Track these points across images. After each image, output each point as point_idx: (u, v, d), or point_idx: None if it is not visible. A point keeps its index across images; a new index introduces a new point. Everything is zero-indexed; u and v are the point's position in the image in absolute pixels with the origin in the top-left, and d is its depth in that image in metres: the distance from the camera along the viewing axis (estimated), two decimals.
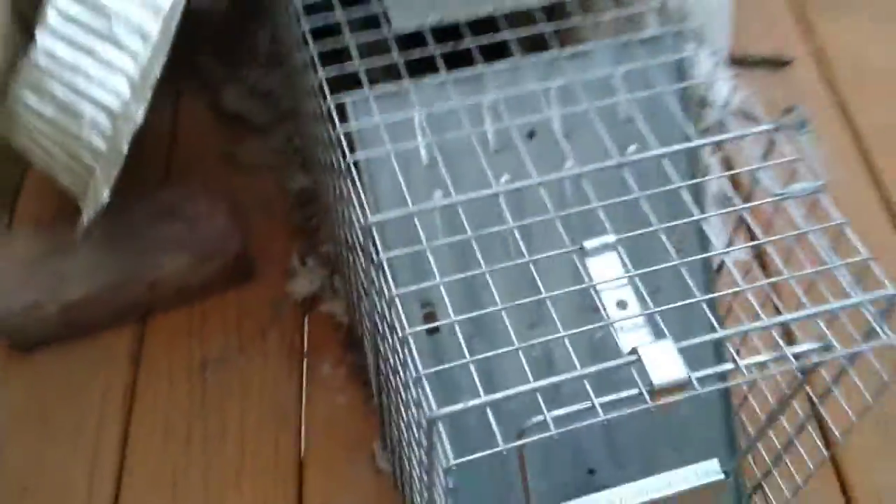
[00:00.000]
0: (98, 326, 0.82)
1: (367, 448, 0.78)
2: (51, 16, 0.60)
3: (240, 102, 0.99)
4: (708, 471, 0.61)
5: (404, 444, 0.64)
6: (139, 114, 0.63)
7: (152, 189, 0.88)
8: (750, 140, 0.58)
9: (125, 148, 0.63)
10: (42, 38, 0.61)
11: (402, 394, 0.57)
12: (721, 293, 0.53)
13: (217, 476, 0.77)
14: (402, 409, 0.60)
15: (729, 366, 0.47)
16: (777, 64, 1.11)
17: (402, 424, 0.63)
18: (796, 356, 0.48)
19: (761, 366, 0.47)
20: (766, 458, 0.66)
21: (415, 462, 0.59)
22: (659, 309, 0.49)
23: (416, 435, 0.54)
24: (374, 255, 0.53)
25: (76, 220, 0.79)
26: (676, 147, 0.57)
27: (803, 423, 0.60)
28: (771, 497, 0.69)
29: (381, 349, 0.64)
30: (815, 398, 0.58)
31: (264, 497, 0.76)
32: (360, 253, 0.63)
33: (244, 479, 0.77)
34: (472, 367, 0.47)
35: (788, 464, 0.64)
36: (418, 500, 0.63)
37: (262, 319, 0.86)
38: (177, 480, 0.76)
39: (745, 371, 0.47)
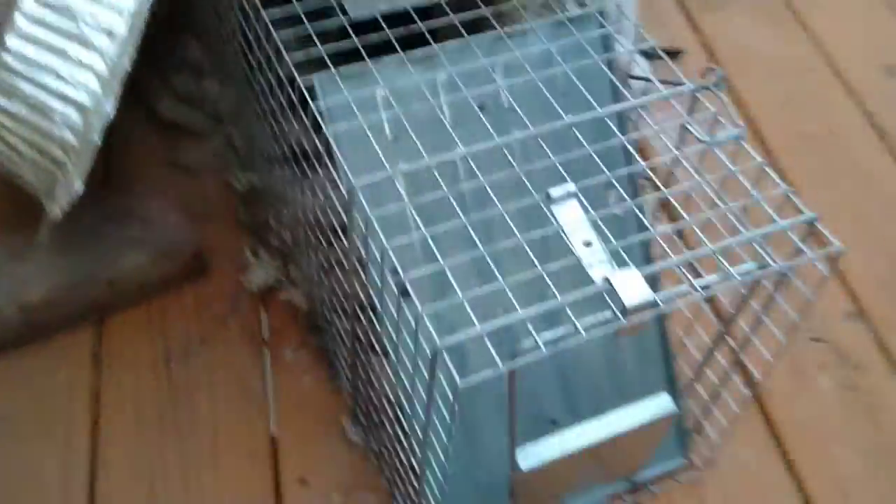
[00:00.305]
0: (58, 327, 0.83)
1: (337, 424, 0.82)
2: (19, 19, 0.62)
3: (175, 109, 1.01)
4: (661, 405, 0.68)
5: (389, 402, 0.68)
6: (109, 108, 0.65)
7: (101, 193, 0.89)
8: (674, 100, 0.67)
9: (96, 140, 0.65)
10: (11, 40, 0.62)
11: (393, 346, 0.62)
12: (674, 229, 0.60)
13: (193, 461, 0.79)
14: (390, 365, 0.65)
15: (684, 287, 0.54)
16: (671, 54, 1.22)
17: (386, 384, 0.67)
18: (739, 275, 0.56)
19: (707, 287, 0.55)
20: (705, 397, 0.74)
21: (405, 410, 0.64)
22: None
23: (411, 380, 0.59)
24: (360, 217, 0.58)
25: (27, 228, 0.80)
26: (617, 107, 0.64)
27: (738, 354, 0.68)
28: (710, 433, 0.77)
29: (362, 316, 0.68)
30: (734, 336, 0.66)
31: (241, 477, 0.78)
32: (337, 225, 0.67)
33: (220, 461, 0.79)
34: (467, 304, 0.52)
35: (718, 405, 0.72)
36: (402, 449, 0.68)
37: (221, 311, 0.88)
38: (154, 468, 0.78)
39: (699, 290, 0.54)
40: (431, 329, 0.51)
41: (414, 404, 0.60)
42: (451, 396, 0.51)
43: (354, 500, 0.78)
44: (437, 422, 0.58)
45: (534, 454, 0.64)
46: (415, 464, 0.66)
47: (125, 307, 0.86)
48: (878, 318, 0.92)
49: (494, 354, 0.51)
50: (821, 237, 0.58)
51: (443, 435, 0.57)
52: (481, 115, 0.68)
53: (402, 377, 0.62)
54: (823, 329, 0.91)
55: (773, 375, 0.72)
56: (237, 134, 0.98)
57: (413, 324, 0.54)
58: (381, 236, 0.56)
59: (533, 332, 0.51)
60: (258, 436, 0.81)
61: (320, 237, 0.78)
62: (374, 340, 0.68)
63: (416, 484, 0.67)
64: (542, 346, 0.51)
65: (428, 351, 0.52)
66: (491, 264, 0.54)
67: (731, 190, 0.61)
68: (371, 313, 0.67)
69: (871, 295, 0.94)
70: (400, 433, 0.68)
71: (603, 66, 0.68)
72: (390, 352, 0.64)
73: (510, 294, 0.53)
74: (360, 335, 0.69)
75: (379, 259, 0.56)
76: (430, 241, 0.55)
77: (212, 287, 0.90)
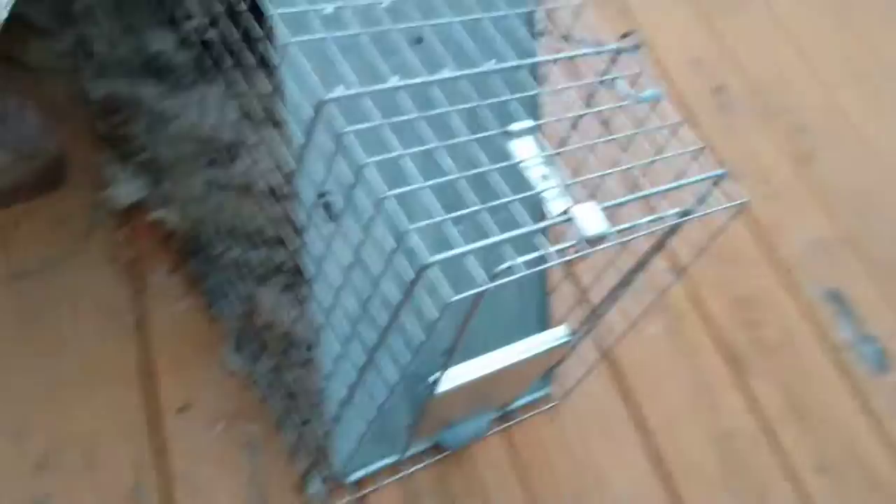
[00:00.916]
0: None
1: (216, 352, 0.79)
2: None
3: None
4: (558, 335, 0.74)
5: (313, 329, 0.67)
6: None
7: None
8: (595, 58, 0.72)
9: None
10: None
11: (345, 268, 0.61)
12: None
13: (61, 386, 0.72)
14: (320, 290, 0.64)
15: (630, 224, 0.60)
16: None
17: (316, 308, 0.66)
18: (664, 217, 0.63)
19: (652, 223, 0.61)
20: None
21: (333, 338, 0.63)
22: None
23: (363, 300, 0.59)
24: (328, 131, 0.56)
25: None
26: (562, 55, 0.68)
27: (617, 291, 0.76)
28: (576, 368, 0.85)
29: (291, 241, 0.66)
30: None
31: (118, 404, 0.73)
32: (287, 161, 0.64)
33: (92, 388, 0.73)
34: (451, 223, 0.54)
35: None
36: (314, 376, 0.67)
37: (80, 228, 0.81)
38: (14, 393, 0.70)
39: (644, 227, 0.60)
40: (421, 244, 0.52)
41: (358, 328, 0.60)
42: (436, 313, 0.53)
43: (239, 428, 0.76)
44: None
45: (447, 379, 0.67)
46: (332, 389, 0.66)
47: None
48: (691, 273, 1.06)
49: (482, 270, 0.53)
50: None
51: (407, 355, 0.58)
52: (416, 48, 0.69)
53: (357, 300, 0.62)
54: (650, 282, 1.03)
55: (614, 322, 0.81)
56: (96, 37, 0.89)
57: (394, 241, 0.54)
58: (361, 151, 0.55)
59: (513, 252, 0.54)
60: (131, 362, 0.76)
61: (223, 155, 0.74)
62: (298, 266, 0.67)
63: (324, 410, 0.68)
64: (522, 266, 0.54)
65: (411, 268, 0.53)
66: (467, 190, 0.56)
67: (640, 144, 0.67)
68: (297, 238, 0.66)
69: (685, 253, 1.07)
70: (321, 360, 0.67)
71: (545, 18, 0.72)
72: (342, 272, 0.63)
73: (489, 218, 0.55)
74: (286, 260, 0.68)
75: (353, 178, 0.56)
76: (408, 160, 0.56)
77: (68, 201, 0.82)
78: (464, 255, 0.53)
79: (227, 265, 0.78)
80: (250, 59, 0.65)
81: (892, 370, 1.03)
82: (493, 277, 0.54)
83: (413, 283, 0.53)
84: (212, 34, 0.71)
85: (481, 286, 0.53)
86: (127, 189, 0.83)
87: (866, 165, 1.25)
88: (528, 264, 0.54)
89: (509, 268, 0.54)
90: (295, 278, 0.70)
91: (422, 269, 0.52)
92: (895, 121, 1.32)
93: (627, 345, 0.96)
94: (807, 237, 1.14)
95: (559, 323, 0.86)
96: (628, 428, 0.90)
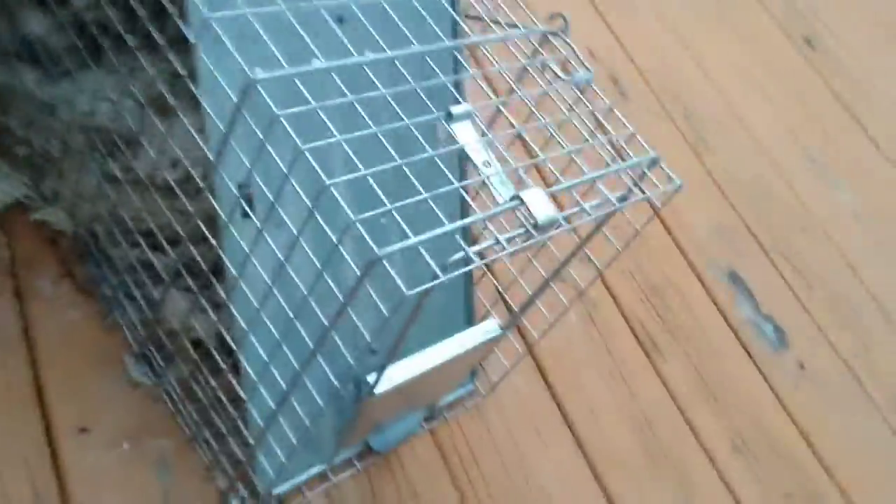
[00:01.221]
0: None
1: (117, 362, 0.72)
2: None
3: None
4: (490, 329, 0.71)
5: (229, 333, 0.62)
6: None
7: None
8: (520, 41, 0.70)
9: None
10: None
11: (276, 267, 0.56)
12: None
13: None
14: (252, 293, 0.59)
15: (576, 209, 0.58)
16: None
17: (237, 312, 0.61)
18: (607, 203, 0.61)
19: (599, 206, 0.59)
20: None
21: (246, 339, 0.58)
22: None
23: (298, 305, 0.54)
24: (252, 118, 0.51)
25: None
26: (492, 37, 0.66)
27: (549, 279, 0.74)
28: (504, 361, 0.83)
29: (212, 239, 0.60)
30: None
31: (8, 429, 0.65)
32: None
33: None
34: (396, 214, 0.50)
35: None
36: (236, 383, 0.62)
37: None
38: None
39: (589, 212, 0.58)
40: (366, 236, 0.48)
41: (297, 328, 0.56)
42: (385, 310, 0.49)
43: (147, 446, 0.69)
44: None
45: (385, 380, 0.63)
46: (258, 398, 0.61)
47: None
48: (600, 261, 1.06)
49: (432, 263, 0.49)
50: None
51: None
52: (341, 27, 0.65)
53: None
54: (566, 271, 1.02)
55: (534, 314, 0.80)
56: None
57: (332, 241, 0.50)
58: (296, 138, 0.50)
59: (462, 243, 0.51)
60: (19, 380, 0.68)
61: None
62: (212, 265, 0.61)
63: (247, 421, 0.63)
64: (474, 258, 0.51)
65: (354, 264, 0.49)
66: (411, 178, 0.53)
67: (570, 127, 0.66)
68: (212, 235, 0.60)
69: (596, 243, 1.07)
70: (245, 368, 0.62)
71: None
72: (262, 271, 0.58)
73: (433, 205, 0.52)
74: (198, 259, 0.61)
75: (284, 168, 0.51)
76: (345, 146, 0.52)
77: None
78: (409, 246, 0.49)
79: (126, 268, 0.71)
80: (158, 38, 0.58)
81: (790, 348, 1.07)
82: (444, 268, 0.50)
83: (362, 276, 0.49)
84: (108, 12, 0.64)
85: (431, 279, 0.50)
86: (3, 187, 0.74)
87: (754, 155, 1.30)
88: (482, 255, 0.51)
89: (462, 259, 0.51)
90: (208, 279, 0.64)
91: (371, 263, 0.48)
92: (777, 113, 1.37)
93: (547, 335, 0.95)
94: (706, 223, 1.17)
95: (482, 318, 0.84)
96: (552, 420, 0.88)
